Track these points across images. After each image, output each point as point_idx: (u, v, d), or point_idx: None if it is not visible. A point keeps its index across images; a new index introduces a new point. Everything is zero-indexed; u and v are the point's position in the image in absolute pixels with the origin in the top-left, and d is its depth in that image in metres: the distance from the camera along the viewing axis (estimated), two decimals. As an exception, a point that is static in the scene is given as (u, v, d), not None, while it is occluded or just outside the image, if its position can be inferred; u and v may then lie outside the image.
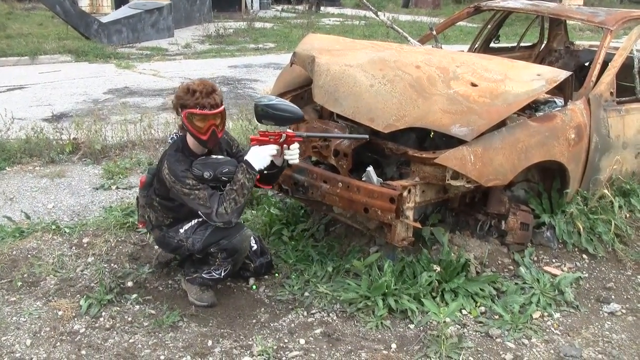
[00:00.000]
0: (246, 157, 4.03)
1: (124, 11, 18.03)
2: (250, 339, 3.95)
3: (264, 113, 4.10)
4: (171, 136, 4.19)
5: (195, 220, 4.21)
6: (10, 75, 12.33)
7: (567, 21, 7.64)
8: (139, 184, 4.43)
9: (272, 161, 4.08)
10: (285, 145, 4.07)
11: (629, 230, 5.05)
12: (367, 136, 4.24)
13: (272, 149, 4.05)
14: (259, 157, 4.02)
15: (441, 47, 6.66)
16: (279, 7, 29.99)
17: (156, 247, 4.95)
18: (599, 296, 4.53)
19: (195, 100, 3.90)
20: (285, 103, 4.15)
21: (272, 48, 17.26)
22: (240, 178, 3.97)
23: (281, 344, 3.91)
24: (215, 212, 3.97)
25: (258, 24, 21.46)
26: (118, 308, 4.26)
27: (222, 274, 4.26)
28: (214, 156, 4.13)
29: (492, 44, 7.36)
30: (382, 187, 4.16)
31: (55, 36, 16.73)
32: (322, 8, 29.78)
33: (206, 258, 4.23)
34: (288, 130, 4.13)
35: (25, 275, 4.59)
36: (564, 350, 3.89)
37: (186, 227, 4.21)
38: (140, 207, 4.45)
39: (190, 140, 4.11)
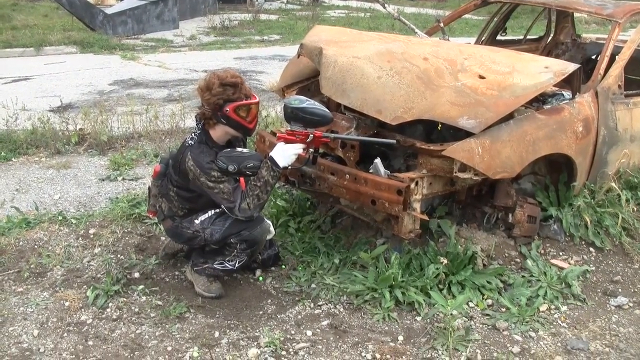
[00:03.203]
0: (271, 154, 4.04)
1: (129, 2, 17.98)
2: (257, 331, 3.96)
3: (293, 115, 4.07)
4: (191, 136, 4.15)
5: (213, 211, 4.20)
6: (15, 67, 12.32)
7: (574, 14, 7.61)
8: (153, 173, 4.41)
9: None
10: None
11: (636, 224, 5.02)
12: (394, 141, 4.21)
13: (299, 147, 4.08)
14: (285, 155, 4.04)
15: (448, 40, 6.63)
16: (284, -1, 29.93)
17: (163, 238, 4.97)
18: (606, 289, 4.53)
19: (240, 92, 3.97)
20: (316, 106, 4.10)
21: (277, 40, 17.22)
22: (264, 175, 3.99)
23: (288, 336, 3.91)
24: (238, 207, 4.00)
25: (263, 16, 21.40)
26: (125, 299, 4.27)
27: (236, 265, 4.26)
28: (239, 149, 4.15)
29: (499, 37, 7.33)
30: (390, 179, 4.15)
31: (61, 27, 16.71)
32: (327, 0, 29.66)
33: (222, 249, 4.23)
34: (316, 130, 4.11)
35: (32, 265, 4.60)
36: (571, 343, 3.89)
37: (202, 217, 4.21)
38: (152, 196, 4.44)
39: (216, 132, 4.11)
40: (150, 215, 4.58)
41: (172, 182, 4.23)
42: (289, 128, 4.13)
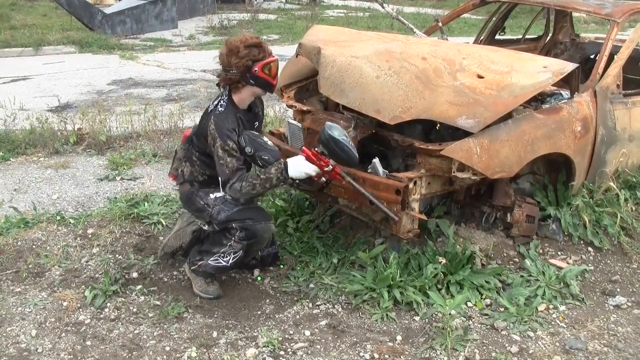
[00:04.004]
0: (288, 160, 4.07)
1: (128, 2, 17.96)
2: (256, 331, 3.96)
3: (325, 141, 4.02)
4: (219, 102, 4.19)
5: None
6: (14, 66, 12.31)
7: (573, 13, 7.60)
8: (182, 137, 4.49)
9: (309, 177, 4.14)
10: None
11: (635, 223, 5.03)
12: (396, 218, 4.17)
13: (313, 170, 4.08)
14: (298, 168, 4.06)
15: (447, 39, 6.63)
16: (283, -1, 29.88)
17: (161, 238, 4.97)
18: (605, 289, 4.53)
19: (265, 51, 4.09)
20: (349, 146, 4.04)
21: (276, 40, 17.19)
22: (271, 173, 4.04)
23: (286, 336, 3.91)
24: (231, 185, 4.06)
25: (262, 16, 21.38)
26: (123, 299, 4.26)
27: (230, 262, 4.24)
28: (264, 138, 4.20)
29: (497, 36, 7.33)
30: (388, 179, 4.15)
31: (59, 27, 16.69)
32: (326, 0, 29.63)
33: (220, 236, 4.23)
34: (337, 165, 4.09)
35: (30, 265, 4.60)
36: (570, 342, 3.89)
37: (217, 194, 4.22)
38: (176, 159, 4.50)
39: (242, 94, 4.20)
40: (171, 178, 4.63)
41: (195, 147, 4.31)
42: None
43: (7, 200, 5.78)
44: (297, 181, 4.16)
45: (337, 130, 4.05)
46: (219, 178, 4.14)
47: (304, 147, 4.16)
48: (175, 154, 4.56)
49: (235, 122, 4.13)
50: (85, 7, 16.42)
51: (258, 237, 4.24)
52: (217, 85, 4.28)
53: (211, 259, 4.26)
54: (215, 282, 4.38)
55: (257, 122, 4.42)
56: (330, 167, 4.06)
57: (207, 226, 4.35)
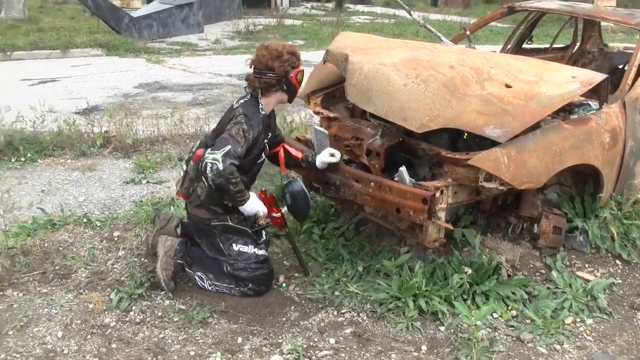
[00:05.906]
0: (252, 195, 4.25)
1: (155, 6, 18.14)
2: (280, 337, 3.96)
3: (294, 192, 4.39)
4: (260, 106, 4.30)
5: (253, 248, 4.38)
6: (42, 68, 12.45)
7: (601, 22, 7.55)
8: (194, 157, 4.32)
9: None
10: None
11: (664, 237, 4.97)
12: (310, 274, 4.60)
13: (264, 213, 4.31)
14: (252, 207, 4.24)
15: (474, 48, 6.61)
16: (309, 5, 29.96)
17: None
18: (633, 303, 4.47)
19: (299, 60, 4.29)
20: (302, 208, 4.42)
21: (301, 45, 17.23)
22: (241, 195, 4.13)
23: (311, 343, 3.90)
24: (229, 164, 3.95)
25: (287, 21, 21.46)
26: (148, 303, 4.28)
27: (214, 290, 4.42)
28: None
29: (525, 45, 7.29)
30: (415, 188, 4.13)
31: (87, 30, 16.87)
32: (352, 6, 29.70)
33: (226, 273, 4.38)
34: (282, 216, 4.47)
35: (57, 267, 4.63)
36: (597, 357, 3.85)
37: (242, 248, 4.35)
38: (187, 180, 4.40)
39: (270, 100, 4.33)
40: (180, 197, 4.60)
41: None
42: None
43: (35, 201, 5.83)
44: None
45: (302, 188, 4.39)
46: (220, 145, 4.01)
47: (260, 192, 4.42)
48: (185, 174, 4.45)
49: (262, 122, 4.24)
50: (112, 10, 16.59)
51: (262, 290, 4.44)
52: (246, 88, 4.35)
53: (200, 274, 4.42)
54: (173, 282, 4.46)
55: (270, 133, 4.48)
56: (279, 214, 4.38)
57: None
